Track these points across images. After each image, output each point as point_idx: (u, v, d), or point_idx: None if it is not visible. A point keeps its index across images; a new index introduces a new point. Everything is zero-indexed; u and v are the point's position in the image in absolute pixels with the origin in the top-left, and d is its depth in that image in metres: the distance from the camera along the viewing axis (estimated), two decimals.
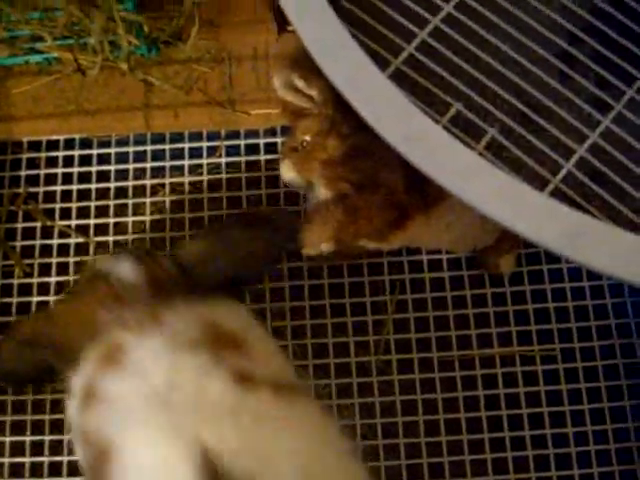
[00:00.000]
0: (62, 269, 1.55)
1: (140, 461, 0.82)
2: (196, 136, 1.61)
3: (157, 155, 1.61)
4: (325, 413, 0.95)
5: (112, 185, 1.61)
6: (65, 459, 1.43)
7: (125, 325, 0.90)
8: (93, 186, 1.61)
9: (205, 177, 1.59)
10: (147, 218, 1.58)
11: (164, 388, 0.82)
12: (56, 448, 1.44)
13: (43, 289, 1.54)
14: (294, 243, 1.16)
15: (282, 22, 1.44)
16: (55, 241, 1.57)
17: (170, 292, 0.97)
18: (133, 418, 0.83)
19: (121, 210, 1.60)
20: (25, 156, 1.60)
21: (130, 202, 1.60)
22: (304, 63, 1.26)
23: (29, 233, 1.58)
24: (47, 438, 1.45)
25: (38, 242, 1.57)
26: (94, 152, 1.62)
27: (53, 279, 1.54)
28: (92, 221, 1.58)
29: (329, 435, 0.92)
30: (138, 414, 0.83)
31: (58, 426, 1.45)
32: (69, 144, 1.61)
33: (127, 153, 1.61)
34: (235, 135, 1.61)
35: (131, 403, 0.83)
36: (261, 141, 1.61)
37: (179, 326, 0.90)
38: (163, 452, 0.80)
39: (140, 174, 1.61)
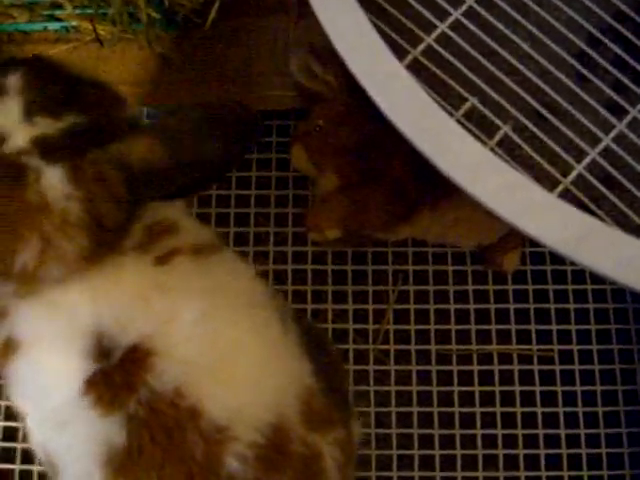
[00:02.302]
0: None
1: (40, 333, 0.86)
2: None
3: None
4: (242, 263, 0.99)
5: None
6: None
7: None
8: None
9: None
10: None
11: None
12: None
13: None
14: (255, 141, 0.99)
15: (303, 6, 1.44)
16: None
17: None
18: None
19: None
20: None
21: None
22: (322, 48, 1.26)
23: None
24: None
25: None
26: None
27: None
28: None
29: (243, 284, 0.96)
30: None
31: None
32: None
33: None
34: None
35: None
36: (274, 123, 1.61)
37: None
38: (60, 329, 0.85)
39: None
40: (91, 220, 0.83)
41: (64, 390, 0.84)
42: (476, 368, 1.49)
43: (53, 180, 0.82)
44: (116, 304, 0.85)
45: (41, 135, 0.86)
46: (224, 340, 0.87)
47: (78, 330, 0.84)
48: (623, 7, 0.92)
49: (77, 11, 1.40)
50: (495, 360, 1.50)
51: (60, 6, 1.40)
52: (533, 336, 1.51)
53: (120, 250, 0.87)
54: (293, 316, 0.99)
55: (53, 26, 1.46)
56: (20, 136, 0.85)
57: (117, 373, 0.83)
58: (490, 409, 1.47)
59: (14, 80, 0.91)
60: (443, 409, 1.46)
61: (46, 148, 0.85)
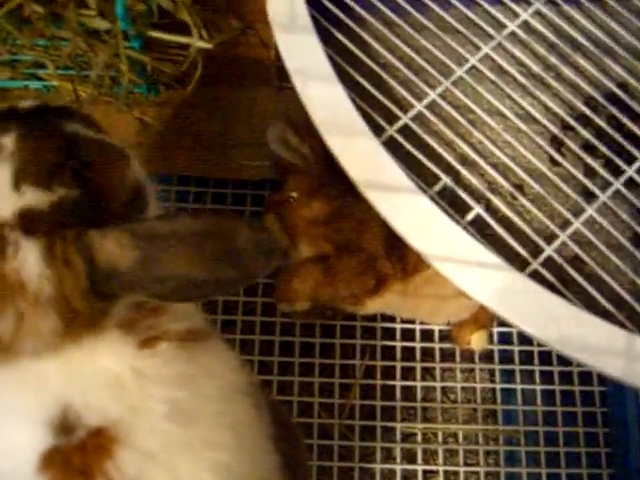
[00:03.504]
0: None
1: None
2: (184, 180, 1.61)
3: None
4: (228, 353, 0.92)
5: None
6: None
7: None
8: None
9: None
10: None
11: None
12: None
13: None
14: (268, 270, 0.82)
15: (282, 79, 1.46)
16: None
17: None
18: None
19: None
20: None
21: None
22: (300, 121, 1.28)
23: None
24: None
25: None
26: None
27: None
28: None
29: (226, 375, 0.89)
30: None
31: None
32: None
33: None
34: (223, 184, 1.62)
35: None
36: (249, 192, 1.62)
37: None
38: (24, 400, 0.80)
39: None
40: (61, 301, 0.78)
41: (17, 459, 0.78)
42: (441, 447, 1.47)
43: (29, 257, 0.77)
44: (90, 383, 0.80)
45: (27, 207, 0.79)
46: (191, 436, 0.81)
47: (46, 399, 0.79)
48: (595, 94, 0.95)
49: (59, 71, 1.41)
50: (460, 439, 1.49)
51: (42, 65, 1.41)
52: (499, 416, 1.50)
53: (103, 326, 0.82)
54: (267, 405, 0.94)
55: (34, 85, 1.46)
56: (6, 206, 0.78)
57: (76, 455, 0.77)
58: None
59: (8, 141, 0.82)
60: None
61: (30, 222, 0.78)
